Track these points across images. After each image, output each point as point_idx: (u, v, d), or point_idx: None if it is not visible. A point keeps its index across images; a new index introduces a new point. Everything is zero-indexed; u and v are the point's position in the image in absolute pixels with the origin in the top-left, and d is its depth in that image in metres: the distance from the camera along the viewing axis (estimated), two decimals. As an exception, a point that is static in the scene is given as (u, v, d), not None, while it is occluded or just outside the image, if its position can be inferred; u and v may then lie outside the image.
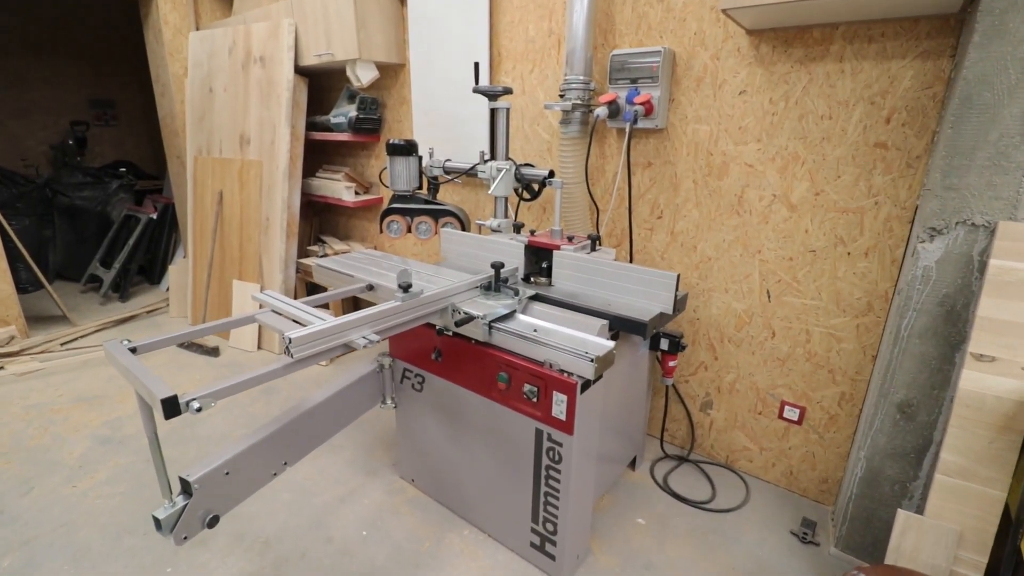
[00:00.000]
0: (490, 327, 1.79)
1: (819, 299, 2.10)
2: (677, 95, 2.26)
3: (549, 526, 1.83)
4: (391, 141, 2.59)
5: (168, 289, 4.61)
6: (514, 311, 1.89)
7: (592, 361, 1.55)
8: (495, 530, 2.04)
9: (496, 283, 1.96)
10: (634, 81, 2.25)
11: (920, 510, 1.78)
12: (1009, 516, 1.51)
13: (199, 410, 1.20)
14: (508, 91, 2.34)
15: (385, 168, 2.77)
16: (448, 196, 3.33)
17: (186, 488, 1.41)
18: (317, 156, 4.07)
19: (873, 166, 1.88)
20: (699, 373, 2.52)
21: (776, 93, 2.02)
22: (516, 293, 1.93)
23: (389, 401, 2.24)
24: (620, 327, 1.81)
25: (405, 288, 1.65)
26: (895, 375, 1.74)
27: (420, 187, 2.76)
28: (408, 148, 2.63)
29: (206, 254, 3.97)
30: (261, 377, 1.36)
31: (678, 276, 1.77)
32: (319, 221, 4.31)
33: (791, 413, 2.27)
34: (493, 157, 2.47)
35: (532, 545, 1.91)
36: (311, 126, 3.72)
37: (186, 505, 1.38)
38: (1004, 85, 1.41)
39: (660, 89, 2.20)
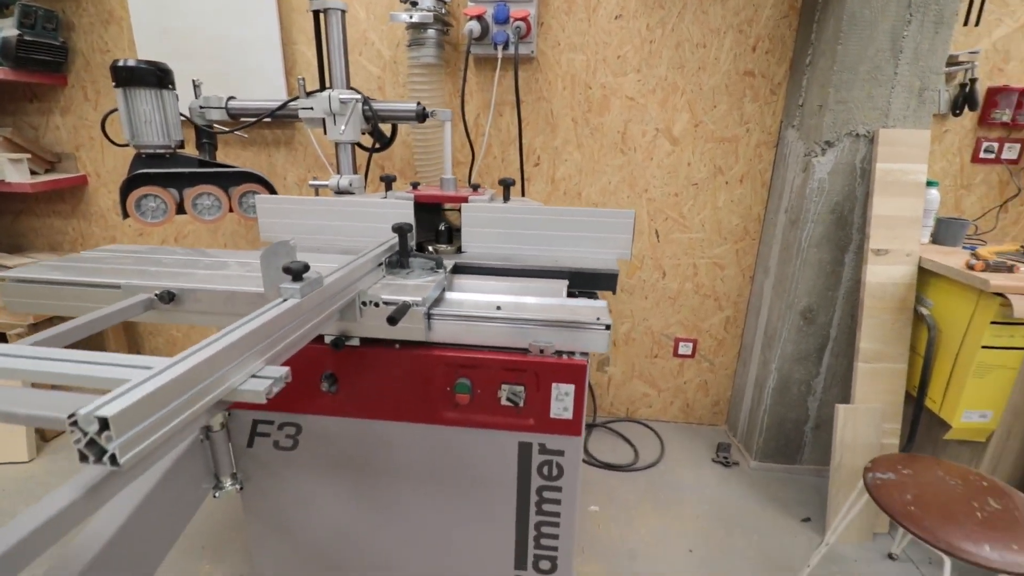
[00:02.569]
0: (429, 317, 1.18)
1: (703, 231, 2.14)
2: (547, 18, 1.95)
3: (544, 564, 1.37)
4: (121, 63, 1.58)
5: None
6: (443, 290, 1.32)
7: (607, 328, 1.15)
8: (453, 600, 1.45)
9: (404, 254, 1.33)
10: (501, -7, 1.84)
11: (823, 403, 1.98)
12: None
13: None
14: (340, -13, 1.63)
15: (113, 111, 1.68)
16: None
17: None
18: (-79, 112, 2.33)
19: (743, 94, 1.95)
20: (593, 331, 2.35)
21: (653, 19, 1.90)
22: (438, 264, 1.34)
23: (228, 482, 1.37)
24: (582, 285, 1.44)
25: (297, 274, 0.91)
26: (796, 285, 1.86)
27: (181, 144, 1.79)
28: (159, 75, 1.65)
29: None
30: (36, 539, 0.51)
31: (634, 213, 1.49)
32: (-52, 226, 2.53)
33: (685, 348, 2.31)
34: (325, 86, 1.71)
35: (518, 598, 1.42)
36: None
37: None
38: (879, 2, 1.55)
39: (534, 5, 1.85)
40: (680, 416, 2.44)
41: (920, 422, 1.72)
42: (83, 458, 0.54)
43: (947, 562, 1.20)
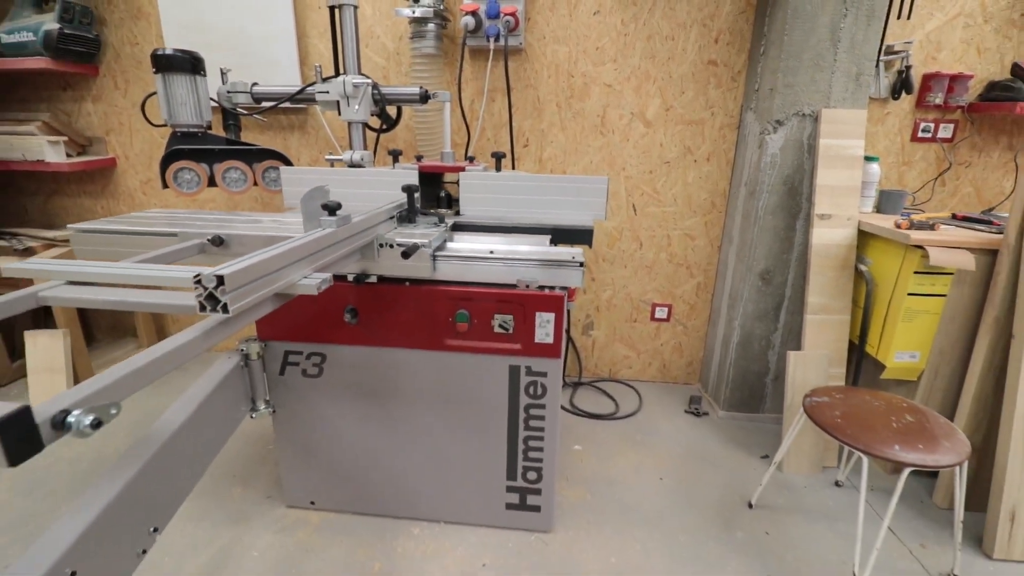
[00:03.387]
0: (434, 258, 1.42)
1: (675, 205, 2.38)
2: (533, 13, 2.19)
3: (531, 475, 1.60)
4: (160, 51, 1.81)
5: None
6: (445, 240, 1.55)
7: (581, 265, 1.39)
8: (454, 513, 1.69)
9: (412, 210, 1.57)
10: (493, -8, 2.08)
11: (781, 356, 2.23)
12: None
13: (97, 424, 0.57)
14: (352, -15, 1.86)
15: (152, 95, 1.91)
16: (240, 146, 2.53)
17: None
18: (-36, 100, 2.55)
19: (708, 81, 2.20)
20: (578, 297, 2.59)
21: (627, 14, 2.15)
22: (440, 220, 1.58)
23: (262, 406, 1.59)
24: (564, 239, 1.67)
25: (332, 210, 1.15)
26: (755, 249, 2.11)
27: (210, 125, 2.02)
28: (193, 63, 1.88)
29: None
30: (173, 355, 0.74)
31: (608, 179, 1.74)
32: (-15, 206, 2.74)
33: (661, 313, 2.55)
34: (339, 73, 1.95)
35: (509, 507, 1.65)
36: (-53, 46, 2.29)
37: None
38: (818, -2, 1.81)
39: (522, 1, 2.09)
40: (658, 376, 2.68)
41: (862, 367, 1.97)
42: (202, 308, 0.78)
43: (864, 460, 1.44)
